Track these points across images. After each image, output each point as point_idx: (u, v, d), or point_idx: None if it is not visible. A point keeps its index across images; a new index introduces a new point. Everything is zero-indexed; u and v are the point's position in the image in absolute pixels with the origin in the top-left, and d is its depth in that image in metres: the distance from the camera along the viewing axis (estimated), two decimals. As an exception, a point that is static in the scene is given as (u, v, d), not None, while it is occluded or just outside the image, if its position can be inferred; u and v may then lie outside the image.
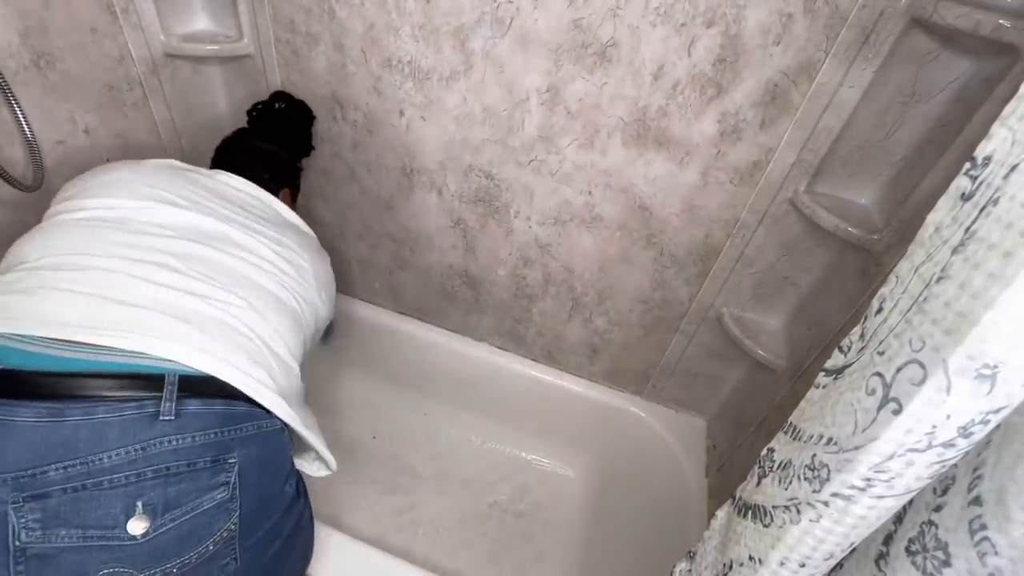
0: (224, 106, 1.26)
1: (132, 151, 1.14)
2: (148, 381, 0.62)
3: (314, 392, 1.58)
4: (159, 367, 0.63)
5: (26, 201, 0.96)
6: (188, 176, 0.85)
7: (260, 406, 0.69)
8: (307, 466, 0.87)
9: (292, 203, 1.09)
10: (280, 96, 1.16)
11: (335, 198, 1.32)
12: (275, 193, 0.96)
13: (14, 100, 0.88)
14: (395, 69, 1.04)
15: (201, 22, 1.16)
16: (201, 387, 0.65)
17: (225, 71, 1.21)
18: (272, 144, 1.07)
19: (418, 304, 1.47)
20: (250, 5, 1.06)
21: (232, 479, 0.66)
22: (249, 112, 1.13)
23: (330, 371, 1.61)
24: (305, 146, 1.19)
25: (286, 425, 0.74)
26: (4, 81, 0.86)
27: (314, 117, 1.22)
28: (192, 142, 1.23)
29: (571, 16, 0.87)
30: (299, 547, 0.84)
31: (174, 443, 0.61)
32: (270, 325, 0.75)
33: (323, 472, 0.88)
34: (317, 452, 0.83)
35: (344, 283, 1.52)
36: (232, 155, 1.04)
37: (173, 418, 0.61)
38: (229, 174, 0.91)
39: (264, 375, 0.71)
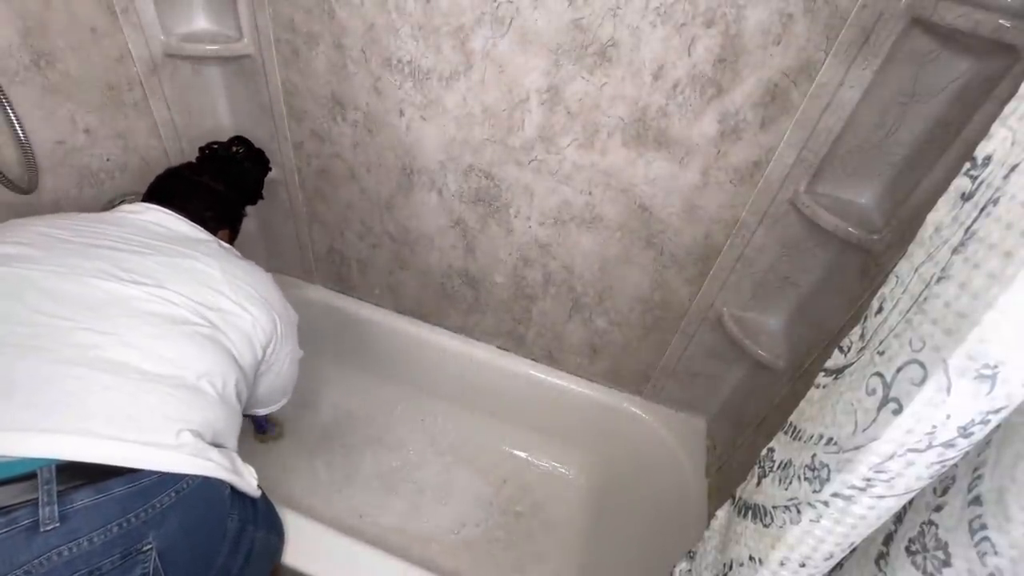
0: (224, 106, 1.26)
1: (132, 151, 1.14)
2: (19, 483, 0.50)
3: (314, 393, 1.59)
4: (24, 465, 0.51)
5: (21, 203, 0.96)
6: (71, 215, 0.81)
7: None
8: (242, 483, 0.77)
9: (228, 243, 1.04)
10: (240, 141, 1.16)
11: (335, 198, 1.32)
12: (213, 232, 0.94)
13: (7, 102, 0.88)
14: (395, 69, 1.04)
15: (201, 22, 1.16)
16: (91, 470, 0.54)
17: (225, 71, 1.20)
18: (220, 184, 1.03)
19: (418, 304, 1.47)
20: (250, 5, 1.06)
21: (151, 567, 0.57)
22: (202, 149, 1.12)
23: (330, 372, 1.61)
24: (254, 194, 1.16)
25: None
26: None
27: (270, 168, 1.21)
28: (192, 142, 1.23)
29: (571, 16, 0.87)
30: (258, 569, 0.79)
31: (66, 553, 0.50)
32: (187, 364, 0.68)
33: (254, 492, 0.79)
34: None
35: (344, 283, 1.52)
36: (171, 186, 0.97)
37: (58, 524, 0.50)
38: (147, 206, 0.88)
39: (171, 431, 0.62)
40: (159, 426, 0.61)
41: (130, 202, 0.91)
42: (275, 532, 0.87)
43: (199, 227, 0.90)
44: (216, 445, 0.70)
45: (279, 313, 0.88)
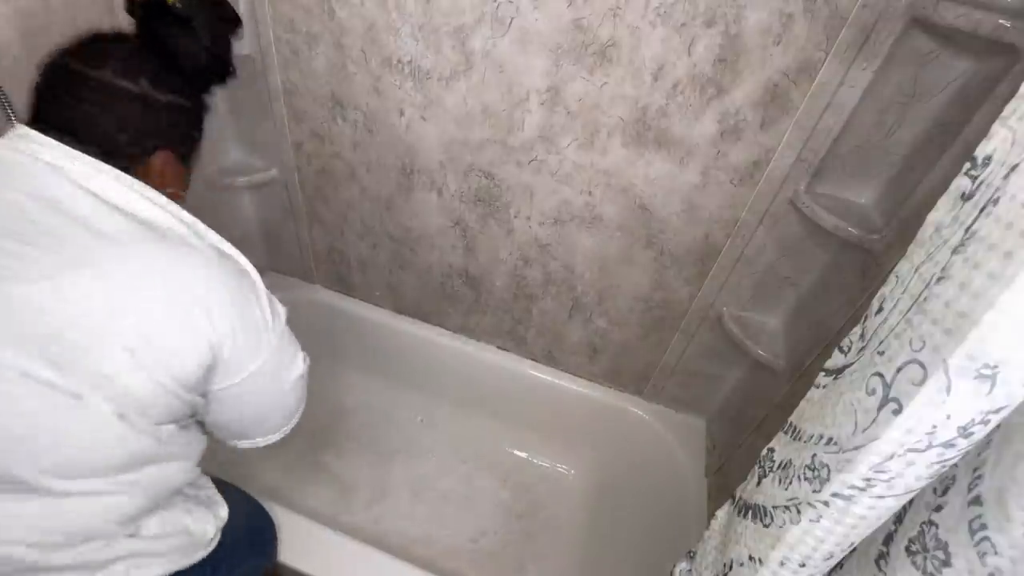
0: (223, 106, 1.26)
1: (132, 151, 1.14)
2: None
3: (310, 392, 1.58)
4: None
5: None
6: None
7: None
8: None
9: (174, 176, 0.62)
10: None
11: (335, 198, 1.32)
12: (138, 162, 0.57)
13: (7, 102, 0.88)
14: (395, 69, 1.04)
15: (201, 22, 1.16)
16: None
17: (225, 71, 1.20)
18: (140, 77, 0.57)
19: (418, 304, 1.47)
20: (250, 5, 1.06)
21: None
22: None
23: (328, 371, 1.61)
24: (219, 68, 0.64)
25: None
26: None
27: (239, 22, 0.67)
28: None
29: (571, 16, 0.87)
30: None
31: None
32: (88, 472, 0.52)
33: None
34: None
35: (344, 283, 1.52)
36: (53, 96, 0.59)
37: None
38: (6, 143, 0.54)
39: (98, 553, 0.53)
40: (81, 553, 0.53)
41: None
42: (257, 553, 0.84)
43: (104, 169, 0.53)
44: (177, 493, 0.65)
45: (231, 322, 0.55)
